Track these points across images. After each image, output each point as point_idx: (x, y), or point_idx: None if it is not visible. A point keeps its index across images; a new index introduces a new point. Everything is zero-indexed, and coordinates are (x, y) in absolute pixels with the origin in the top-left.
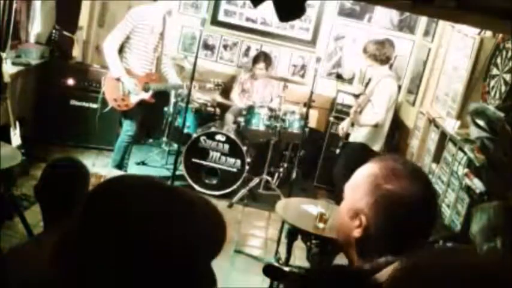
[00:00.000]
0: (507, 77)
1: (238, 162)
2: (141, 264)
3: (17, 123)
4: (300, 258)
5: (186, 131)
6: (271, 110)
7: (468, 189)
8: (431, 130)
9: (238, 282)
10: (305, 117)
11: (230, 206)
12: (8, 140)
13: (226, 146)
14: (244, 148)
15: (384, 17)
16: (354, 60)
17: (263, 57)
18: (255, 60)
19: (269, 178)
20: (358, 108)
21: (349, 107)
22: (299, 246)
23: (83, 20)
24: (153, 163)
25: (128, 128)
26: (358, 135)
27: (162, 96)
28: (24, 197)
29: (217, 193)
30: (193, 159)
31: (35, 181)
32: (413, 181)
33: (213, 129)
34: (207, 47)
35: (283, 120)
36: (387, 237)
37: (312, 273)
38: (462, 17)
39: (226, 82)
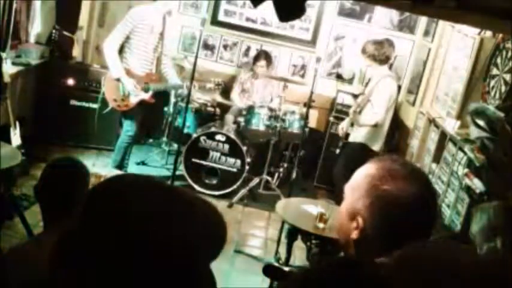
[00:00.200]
0: (507, 77)
1: (238, 162)
2: (141, 264)
3: (17, 123)
4: (300, 258)
5: (186, 131)
6: (271, 110)
7: (468, 189)
8: (431, 130)
9: (238, 282)
10: (305, 117)
11: (230, 206)
12: (8, 140)
13: (226, 146)
14: (244, 148)
15: (384, 17)
16: (354, 60)
17: (264, 55)
18: (256, 58)
19: (269, 178)
20: (358, 108)
21: (349, 107)
22: (299, 246)
23: (83, 20)
24: (153, 163)
25: (128, 128)
26: (357, 135)
27: (162, 96)
28: (24, 197)
29: (217, 193)
30: (193, 159)
31: (35, 181)
32: (411, 181)
33: (213, 129)
34: (207, 47)
35: (283, 120)
36: (384, 238)
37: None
38: (462, 17)
39: (226, 82)
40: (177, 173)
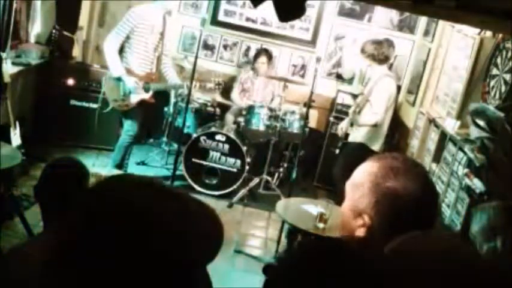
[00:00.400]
0: (507, 77)
1: (238, 162)
2: (140, 264)
3: (17, 123)
4: None
5: (186, 131)
6: (271, 110)
7: (468, 189)
8: (431, 130)
9: (238, 282)
10: (305, 117)
11: (230, 206)
12: (8, 140)
13: (226, 146)
14: (244, 148)
15: (384, 17)
16: (354, 60)
17: (264, 52)
18: (257, 55)
19: (269, 178)
20: (357, 109)
21: (349, 107)
22: None
23: (83, 20)
24: (153, 163)
25: (128, 128)
26: (357, 135)
27: (162, 96)
28: (24, 197)
29: (217, 193)
30: (193, 159)
31: (35, 181)
32: (412, 177)
33: (213, 129)
34: (207, 47)
35: (283, 120)
36: (390, 234)
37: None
38: (462, 17)
39: (226, 82)
40: (177, 173)
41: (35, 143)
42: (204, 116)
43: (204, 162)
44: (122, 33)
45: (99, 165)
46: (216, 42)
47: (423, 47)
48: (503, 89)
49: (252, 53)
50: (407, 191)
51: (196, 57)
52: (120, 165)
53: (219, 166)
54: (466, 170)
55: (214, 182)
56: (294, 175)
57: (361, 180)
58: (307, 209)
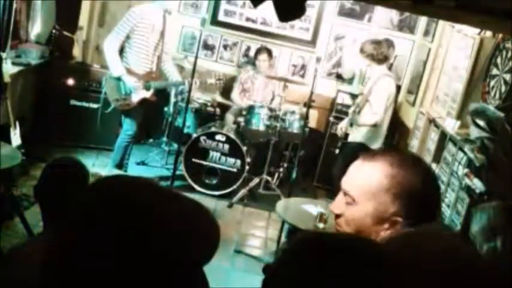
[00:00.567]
0: (507, 77)
1: (238, 162)
2: (138, 264)
3: (17, 123)
4: None
5: (186, 131)
6: (271, 110)
7: (468, 189)
8: (431, 130)
9: (238, 282)
10: (305, 117)
11: (230, 206)
12: (8, 140)
13: (226, 146)
14: (244, 148)
15: (384, 17)
16: (354, 60)
17: (265, 50)
18: (257, 52)
19: (269, 178)
20: (357, 109)
21: (349, 107)
22: None
23: (83, 20)
24: (153, 163)
25: (128, 128)
26: (357, 135)
27: (162, 96)
28: (24, 197)
29: (217, 193)
30: (193, 159)
31: (35, 181)
32: (419, 169)
33: (213, 129)
34: (207, 47)
35: (283, 120)
36: (415, 225)
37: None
38: (462, 17)
39: (226, 82)
40: (177, 173)
41: (35, 143)
42: (204, 116)
43: (204, 162)
44: (122, 32)
45: (99, 165)
46: (216, 42)
47: (423, 47)
48: (503, 89)
49: (252, 53)
50: (422, 182)
51: (196, 57)
52: (120, 165)
53: (219, 166)
54: (466, 170)
55: (214, 182)
56: (294, 175)
57: (377, 185)
58: (307, 209)
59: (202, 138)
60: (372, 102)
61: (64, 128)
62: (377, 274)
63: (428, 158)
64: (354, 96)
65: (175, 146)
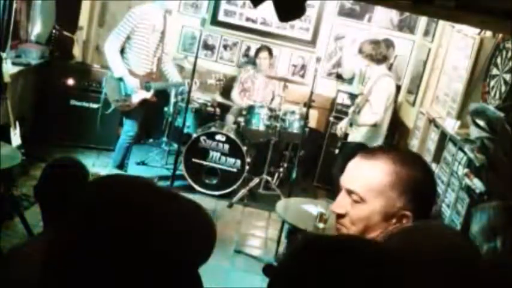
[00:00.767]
0: (507, 77)
1: (238, 162)
2: (138, 265)
3: (17, 123)
4: None
5: (186, 131)
6: (271, 110)
7: (468, 189)
8: (431, 130)
9: (238, 282)
10: (305, 117)
11: (230, 206)
12: (8, 140)
13: (226, 146)
14: (244, 148)
15: (384, 17)
16: (354, 60)
17: (265, 48)
18: (258, 50)
19: (269, 178)
20: (357, 109)
21: (349, 107)
22: None
23: (83, 20)
24: (153, 163)
25: (129, 129)
26: (357, 135)
27: (162, 96)
28: (24, 197)
29: (217, 193)
30: (193, 159)
31: (35, 181)
32: (420, 164)
33: (213, 129)
34: (207, 47)
35: (283, 120)
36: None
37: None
38: (462, 17)
39: (226, 82)
40: (177, 173)
41: (35, 143)
42: (204, 116)
43: (204, 162)
44: (123, 33)
45: (99, 165)
46: (216, 42)
47: (423, 47)
48: (503, 89)
49: (252, 53)
50: (424, 177)
51: (196, 57)
52: (120, 166)
53: (219, 166)
54: (466, 170)
55: (214, 182)
56: (294, 175)
57: (384, 182)
58: (307, 209)
59: (202, 138)
60: (371, 102)
61: (64, 128)
62: (378, 273)
63: (428, 158)
64: (353, 96)
65: (175, 146)
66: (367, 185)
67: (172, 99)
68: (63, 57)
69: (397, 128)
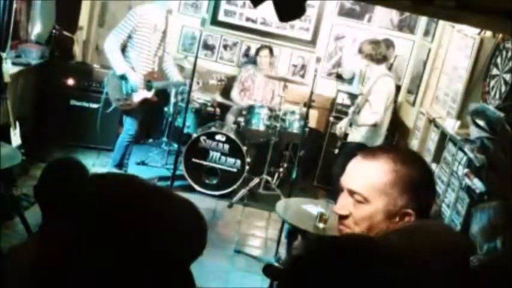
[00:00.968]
0: (507, 77)
1: (238, 162)
2: (138, 263)
3: (17, 123)
4: None
5: (186, 131)
6: (271, 110)
7: (468, 189)
8: (431, 130)
9: (238, 282)
10: (305, 117)
11: (230, 206)
12: (8, 140)
13: (226, 146)
14: (244, 148)
15: (384, 17)
16: (354, 60)
17: (266, 46)
18: (259, 48)
19: (269, 178)
20: (357, 109)
21: (349, 107)
22: None
23: (83, 20)
24: (153, 163)
25: (129, 128)
26: (356, 135)
27: (162, 96)
28: (24, 197)
29: (217, 193)
30: (193, 159)
31: (35, 181)
32: (419, 162)
33: (213, 129)
34: (207, 47)
35: (283, 120)
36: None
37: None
38: (462, 17)
39: (227, 82)
40: (177, 173)
41: (35, 143)
42: (204, 116)
43: (204, 162)
44: (123, 32)
45: (99, 165)
46: (216, 42)
47: (423, 47)
48: (503, 89)
49: (252, 53)
50: (425, 174)
51: (196, 57)
52: (120, 165)
53: (219, 166)
54: (466, 170)
55: (214, 182)
56: (294, 175)
57: (386, 182)
58: (307, 209)
59: (202, 138)
60: (371, 102)
61: (64, 128)
62: (379, 273)
63: (428, 158)
64: (353, 96)
65: (175, 146)
66: (370, 184)
67: (172, 99)
68: (63, 57)
69: (397, 128)
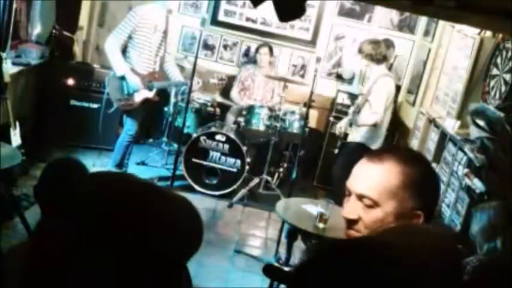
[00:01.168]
0: (507, 77)
1: (238, 162)
2: (138, 263)
3: (17, 123)
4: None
5: (186, 131)
6: (271, 110)
7: (468, 189)
8: (431, 130)
9: (238, 282)
10: (305, 117)
11: (230, 206)
12: (8, 140)
13: (226, 146)
14: (244, 148)
15: (384, 17)
16: (354, 60)
17: (266, 45)
18: (259, 47)
19: (269, 178)
20: (357, 109)
21: (349, 107)
22: (299, 246)
23: (83, 20)
24: (153, 163)
25: (129, 128)
26: (356, 135)
27: (162, 96)
28: (24, 197)
29: (217, 193)
30: (193, 159)
31: (35, 181)
32: (423, 162)
33: (213, 129)
34: (207, 47)
35: (283, 120)
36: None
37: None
38: (462, 17)
39: (227, 82)
40: (177, 173)
41: (35, 143)
42: (204, 116)
43: (204, 162)
44: (123, 32)
45: (99, 165)
46: (216, 42)
47: (423, 47)
48: (503, 89)
49: (252, 53)
50: (432, 174)
51: (196, 57)
52: (120, 165)
53: (219, 166)
54: (466, 170)
55: (214, 182)
56: (294, 175)
57: (397, 183)
58: (307, 209)
59: (202, 138)
60: (371, 101)
61: (64, 128)
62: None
63: (428, 158)
64: (353, 96)
65: (175, 146)
66: (379, 188)
67: (173, 99)
68: (63, 57)
69: (397, 128)
